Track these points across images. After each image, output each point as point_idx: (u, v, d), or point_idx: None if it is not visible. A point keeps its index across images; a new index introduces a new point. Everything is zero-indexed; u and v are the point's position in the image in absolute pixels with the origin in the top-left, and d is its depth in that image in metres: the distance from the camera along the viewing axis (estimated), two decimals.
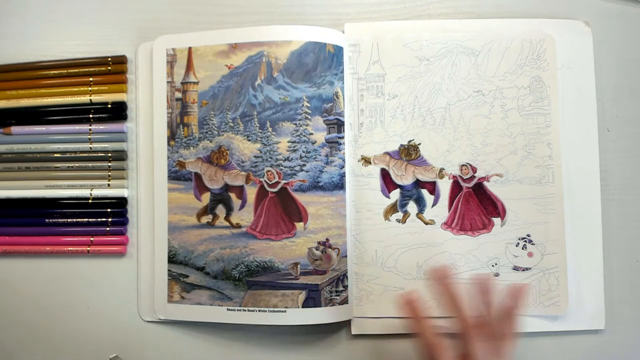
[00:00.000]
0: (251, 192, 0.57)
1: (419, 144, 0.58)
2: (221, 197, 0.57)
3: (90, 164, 0.59)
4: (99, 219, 0.59)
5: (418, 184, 0.58)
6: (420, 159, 0.58)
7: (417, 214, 0.57)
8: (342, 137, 0.57)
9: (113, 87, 0.60)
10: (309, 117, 0.56)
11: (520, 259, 0.56)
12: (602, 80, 0.58)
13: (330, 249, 0.55)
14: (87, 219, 0.59)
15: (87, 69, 0.60)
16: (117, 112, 0.59)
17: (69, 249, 0.59)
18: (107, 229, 0.59)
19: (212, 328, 0.58)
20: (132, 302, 0.58)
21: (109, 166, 0.59)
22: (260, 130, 0.57)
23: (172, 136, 0.58)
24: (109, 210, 0.59)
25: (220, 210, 0.57)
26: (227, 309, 0.56)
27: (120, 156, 0.59)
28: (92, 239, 0.59)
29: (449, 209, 0.57)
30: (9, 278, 0.60)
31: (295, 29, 0.57)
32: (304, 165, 0.56)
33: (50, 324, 0.59)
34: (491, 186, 0.57)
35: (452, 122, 0.57)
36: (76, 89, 0.60)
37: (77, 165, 0.59)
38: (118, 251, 0.59)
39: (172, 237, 0.57)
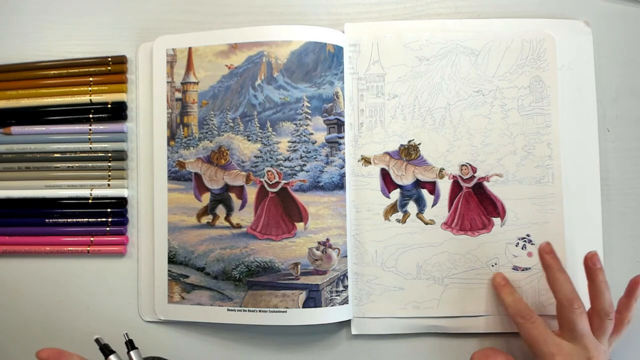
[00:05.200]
0: (251, 192, 0.57)
1: (419, 144, 0.58)
2: (221, 197, 0.57)
3: (90, 164, 0.59)
4: (99, 219, 0.59)
5: (418, 184, 0.58)
6: (420, 159, 0.58)
7: (417, 214, 0.57)
8: (342, 137, 0.57)
9: (113, 87, 0.60)
10: (309, 117, 0.56)
11: (520, 259, 0.56)
12: (602, 80, 0.58)
13: (330, 249, 0.55)
14: (87, 219, 0.59)
15: (87, 69, 0.60)
16: (117, 112, 0.59)
17: (69, 249, 0.59)
18: (107, 229, 0.59)
19: (213, 328, 0.58)
20: (132, 302, 0.58)
21: (109, 166, 0.59)
22: (261, 130, 0.57)
23: (172, 136, 0.58)
24: (109, 210, 0.59)
25: (221, 210, 0.57)
26: (228, 310, 0.56)
27: (120, 156, 0.59)
28: (92, 239, 0.59)
29: (449, 209, 0.57)
30: (9, 278, 0.60)
31: (295, 29, 0.57)
32: (304, 165, 0.56)
33: (50, 324, 0.59)
34: (491, 186, 0.57)
35: (452, 122, 0.57)
36: (76, 89, 0.60)
37: (77, 165, 0.59)
38: (118, 251, 0.59)
39: (172, 237, 0.57)
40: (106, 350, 0.50)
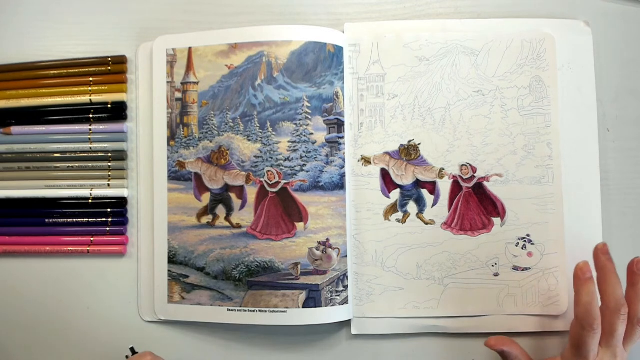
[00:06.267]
0: (251, 192, 0.57)
1: (419, 144, 0.58)
2: (221, 197, 0.57)
3: (90, 164, 0.59)
4: (99, 219, 0.59)
5: (418, 184, 0.58)
6: (420, 159, 0.58)
7: (417, 214, 0.57)
8: (342, 137, 0.57)
9: (113, 87, 0.60)
10: (309, 117, 0.56)
11: (520, 259, 0.56)
12: (602, 80, 0.58)
13: (330, 249, 0.55)
14: (87, 219, 0.59)
15: (87, 69, 0.60)
16: (117, 112, 0.59)
17: (69, 249, 0.59)
18: (107, 229, 0.59)
19: (213, 328, 0.58)
20: (132, 303, 0.58)
21: (109, 166, 0.59)
22: (261, 130, 0.57)
23: (172, 136, 0.58)
24: (109, 210, 0.59)
25: (221, 210, 0.57)
26: (228, 310, 0.56)
27: (120, 156, 0.59)
28: (92, 239, 0.59)
29: (449, 209, 0.57)
30: (9, 278, 0.60)
31: (295, 29, 0.57)
32: (304, 165, 0.56)
33: (50, 324, 0.59)
34: (491, 186, 0.57)
35: (452, 122, 0.57)
36: (76, 89, 0.60)
37: (77, 165, 0.59)
38: (118, 251, 0.59)
39: (172, 237, 0.57)
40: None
